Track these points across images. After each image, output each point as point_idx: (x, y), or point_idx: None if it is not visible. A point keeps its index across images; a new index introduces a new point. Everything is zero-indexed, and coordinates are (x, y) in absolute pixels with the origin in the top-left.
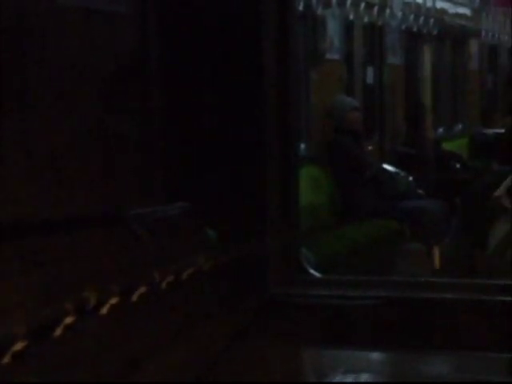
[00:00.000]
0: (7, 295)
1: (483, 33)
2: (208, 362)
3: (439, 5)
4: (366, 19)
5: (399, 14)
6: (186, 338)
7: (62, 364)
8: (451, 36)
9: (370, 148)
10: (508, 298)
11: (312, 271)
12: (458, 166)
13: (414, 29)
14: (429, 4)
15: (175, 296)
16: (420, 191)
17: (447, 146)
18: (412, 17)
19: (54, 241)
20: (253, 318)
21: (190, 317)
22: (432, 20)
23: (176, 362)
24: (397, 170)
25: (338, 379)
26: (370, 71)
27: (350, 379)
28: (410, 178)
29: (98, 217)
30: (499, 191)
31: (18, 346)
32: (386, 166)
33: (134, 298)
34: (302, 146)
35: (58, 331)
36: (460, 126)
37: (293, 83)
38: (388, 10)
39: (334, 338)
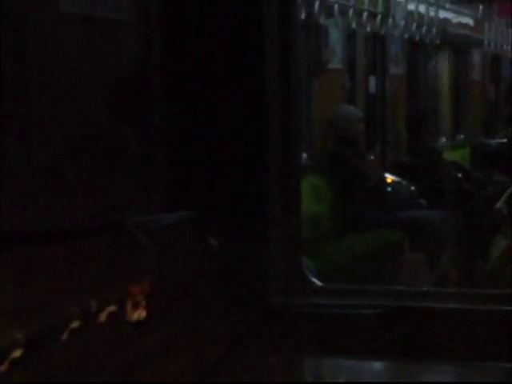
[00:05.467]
0: (7, 302)
1: (486, 43)
2: (207, 371)
3: (442, 14)
4: (368, 28)
5: (402, 23)
6: (186, 347)
7: (63, 369)
8: (454, 46)
9: (371, 158)
10: (509, 308)
11: (313, 280)
12: (459, 176)
13: (417, 38)
14: (431, 14)
15: (174, 305)
16: (422, 201)
17: (449, 155)
18: (415, 26)
19: (54, 249)
20: (253, 327)
21: (189, 326)
22: (435, 30)
23: (175, 371)
24: (399, 180)
25: None
26: (372, 81)
27: None
28: (412, 188)
29: (100, 225)
30: (500, 202)
31: (17, 352)
32: (388, 176)
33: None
34: (304, 155)
35: (64, 336)
36: (462, 136)
37: (295, 92)
38: (391, 20)
39: (335, 348)
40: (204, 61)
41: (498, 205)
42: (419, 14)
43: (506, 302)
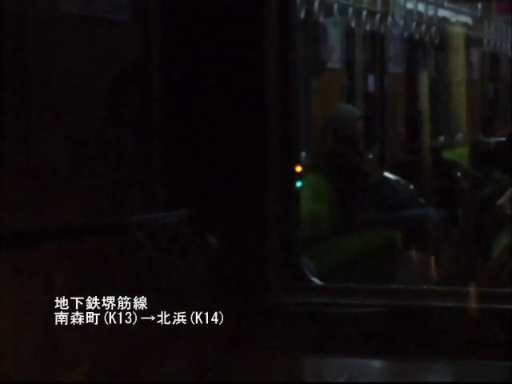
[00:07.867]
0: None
1: (485, 41)
2: (206, 371)
3: (441, 13)
4: (367, 27)
5: (401, 22)
6: (185, 345)
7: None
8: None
9: (370, 156)
10: (509, 307)
11: (313, 279)
12: (458, 174)
13: (416, 37)
14: (431, 12)
15: (173, 304)
16: (421, 200)
17: (448, 154)
18: (414, 25)
19: (56, 248)
20: (253, 326)
21: (188, 325)
22: (434, 28)
23: (174, 370)
24: (398, 179)
25: None
26: (371, 80)
27: None
28: (412, 187)
29: (100, 224)
30: (502, 200)
31: None
32: (387, 175)
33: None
34: (303, 154)
35: None
36: (461, 135)
37: (294, 92)
38: (390, 19)
39: (335, 346)
40: (203, 61)
41: (500, 202)
42: (418, 12)
43: (506, 300)
